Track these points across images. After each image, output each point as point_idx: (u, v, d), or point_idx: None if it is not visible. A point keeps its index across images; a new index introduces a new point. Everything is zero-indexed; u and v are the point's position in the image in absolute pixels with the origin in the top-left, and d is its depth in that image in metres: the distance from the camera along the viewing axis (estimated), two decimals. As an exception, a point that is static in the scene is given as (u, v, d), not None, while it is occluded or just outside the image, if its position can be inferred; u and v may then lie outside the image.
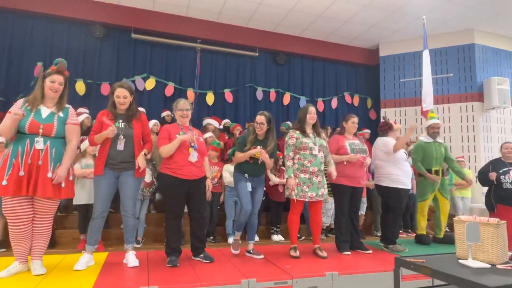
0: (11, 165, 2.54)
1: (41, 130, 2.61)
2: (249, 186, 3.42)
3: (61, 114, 2.74)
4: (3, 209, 2.59)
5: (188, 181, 3.11)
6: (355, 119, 3.89)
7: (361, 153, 3.77)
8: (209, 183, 3.40)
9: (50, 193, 2.60)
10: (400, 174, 3.89)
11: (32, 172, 2.56)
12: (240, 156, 3.43)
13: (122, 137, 2.95)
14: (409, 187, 3.90)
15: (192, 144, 3.15)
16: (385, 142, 3.97)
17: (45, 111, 2.70)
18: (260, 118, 3.46)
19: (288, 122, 6.49)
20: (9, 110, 2.64)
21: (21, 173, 2.52)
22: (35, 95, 2.71)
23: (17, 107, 2.65)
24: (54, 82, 2.71)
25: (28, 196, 2.60)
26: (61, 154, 2.71)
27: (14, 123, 2.55)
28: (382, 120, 4.13)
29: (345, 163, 3.71)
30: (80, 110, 5.48)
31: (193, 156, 3.14)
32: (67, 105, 2.83)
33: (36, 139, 2.60)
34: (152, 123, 5.33)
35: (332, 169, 3.58)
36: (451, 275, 1.83)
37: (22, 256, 2.71)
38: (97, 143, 3.00)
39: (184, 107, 3.25)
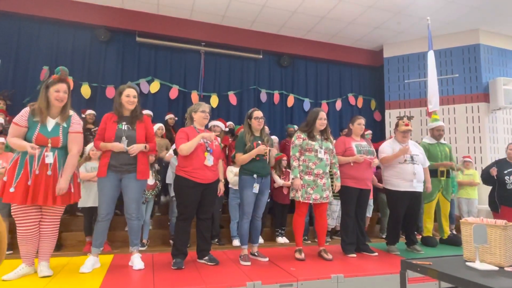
0: (20, 173, 2.57)
1: (49, 145, 2.64)
2: (256, 188, 3.37)
3: (65, 124, 2.75)
4: (13, 214, 2.63)
5: (202, 184, 3.13)
6: (361, 121, 3.87)
7: (368, 155, 3.75)
8: (221, 186, 3.41)
9: (59, 202, 2.66)
10: (391, 176, 3.87)
11: (40, 183, 2.59)
12: (244, 157, 3.35)
13: (125, 138, 2.95)
14: (405, 189, 3.77)
15: (208, 149, 3.18)
16: (381, 149, 3.98)
17: (50, 122, 2.70)
18: (260, 113, 3.48)
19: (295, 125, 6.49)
20: (14, 121, 2.63)
21: (29, 182, 2.56)
22: (40, 106, 2.67)
23: (24, 118, 2.64)
24: (59, 92, 2.69)
25: (34, 205, 2.63)
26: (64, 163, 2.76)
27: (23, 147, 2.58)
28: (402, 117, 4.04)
29: (352, 164, 3.70)
30: (89, 112, 5.52)
31: (209, 160, 3.17)
32: (70, 113, 2.82)
33: (45, 153, 2.62)
34: (157, 126, 5.35)
35: (338, 184, 3.62)
36: (458, 278, 1.81)
37: (29, 258, 2.74)
38: (101, 149, 3.02)
39: (208, 109, 3.33)
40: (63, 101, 2.72)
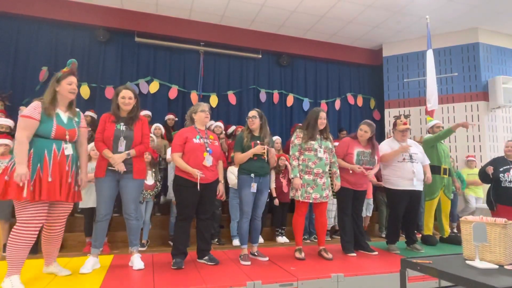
0: (35, 170, 2.46)
1: (67, 136, 2.62)
2: (254, 187, 3.38)
3: (76, 119, 2.77)
4: (22, 213, 2.43)
5: (201, 184, 3.13)
6: (362, 127, 3.73)
7: (367, 165, 3.71)
8: (221, 187, 3.42)
9: (75, 198, 2.71)
10: (390, 175, 3.87)
11: (61, 178, 2.56)
12: (242, 156, 3.38)
13: (122, 138, 2.98)
14: (404, 187, 3.77)
15: (208, 149, 3.21)
16: (380, 147, 3.96)
17: (63, 116, 2.68)
18: (252, 112, 3.49)
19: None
20: (27, 114, 2.47)
21: (49, 179, 2.49)
22: (49, 99, 2.61)
23: (37, 111, 2.51)
24: (71, 84, 2.69)
25: (46, 202, 2.53)
26: (76, 158, 2.76)
27: None
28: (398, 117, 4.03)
29: (351, 172, 3.69)
30: (87, 113, 5.52)
31: (208, 161, 3.18)
32: (77, 109, 2.85)
33: (65, 145, 2.60)
34: (153, 127, 5.37)
35: (338, 183, 3.62)
36: (458, 276, 1.81)
37: (21, 265, 2.50)
38: (100, 152, 3.01)
39: (207, 108, 3.36)
40: (75, 93, 2.75)
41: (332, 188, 3.65)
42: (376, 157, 3.80)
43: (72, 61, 2.74)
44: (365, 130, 3.72)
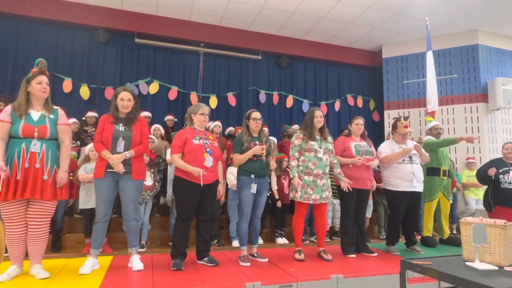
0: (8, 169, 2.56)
1: (36, 134, 2.64)
2: (254, 188, 3.37)
3: (51, 115, 2.78)
4: (2, 212, 2.62)
5: (201, 185, 3.13)
6: (358, 121, 3.88)
7: (366, 155, 3.76)
8: (221, 188, 3.41)
9: (49, 196, 2.65)
10: (390, 176, 3.88)
11: (29, 176, 2.59)
12: (241, 157, 3.37)
13: (121, 139, 2.98)
14: (405, 189, 3.78)
15: (208, 150, 3.21)
16: (380, 149, 3.98)
17: (35, 114, 2.72)
18: (258, 114, 3.49)
19: (296, 125, 6.46)
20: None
21: (18, 177, 2.56)
22: (20, 100, 2.71)
23: (6, 114, 2.67)
24: (41, 83, 2.73)
25: (24, 199, 2.63)
26: (56, 155, 2.76)
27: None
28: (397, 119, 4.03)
29: (351, 166, 3.70)
30: (89, 114, 5.52)
31: (208, 161, 3.18)
32: (55, 107, 2.86)
33: (33, 142, 2.63)
34: (153, 128, 5.37)
35: (345, 180, 3.58)
36: (458, 277, 1.81)
37: (18, 259, 2.75)
38: (99, 152, 3.02)
39: (207, 111, 3.34)
40: (46, 92, 2.75)
41: (333, 189, 3.65)
42: (373, 148, 3.88)
43: (40, 60, 2.77)
44: (361, 123, 3.87)
